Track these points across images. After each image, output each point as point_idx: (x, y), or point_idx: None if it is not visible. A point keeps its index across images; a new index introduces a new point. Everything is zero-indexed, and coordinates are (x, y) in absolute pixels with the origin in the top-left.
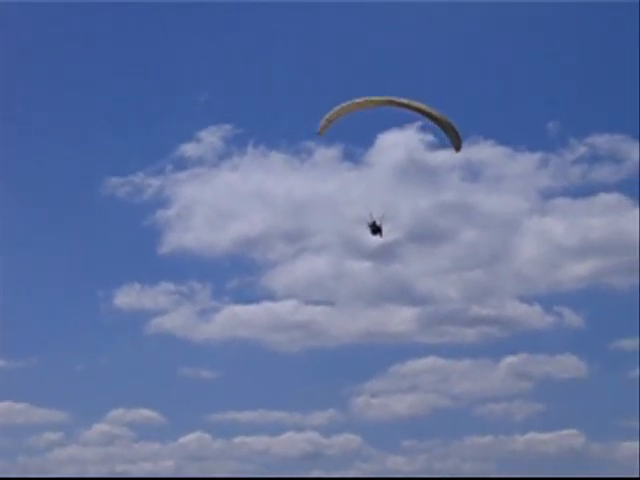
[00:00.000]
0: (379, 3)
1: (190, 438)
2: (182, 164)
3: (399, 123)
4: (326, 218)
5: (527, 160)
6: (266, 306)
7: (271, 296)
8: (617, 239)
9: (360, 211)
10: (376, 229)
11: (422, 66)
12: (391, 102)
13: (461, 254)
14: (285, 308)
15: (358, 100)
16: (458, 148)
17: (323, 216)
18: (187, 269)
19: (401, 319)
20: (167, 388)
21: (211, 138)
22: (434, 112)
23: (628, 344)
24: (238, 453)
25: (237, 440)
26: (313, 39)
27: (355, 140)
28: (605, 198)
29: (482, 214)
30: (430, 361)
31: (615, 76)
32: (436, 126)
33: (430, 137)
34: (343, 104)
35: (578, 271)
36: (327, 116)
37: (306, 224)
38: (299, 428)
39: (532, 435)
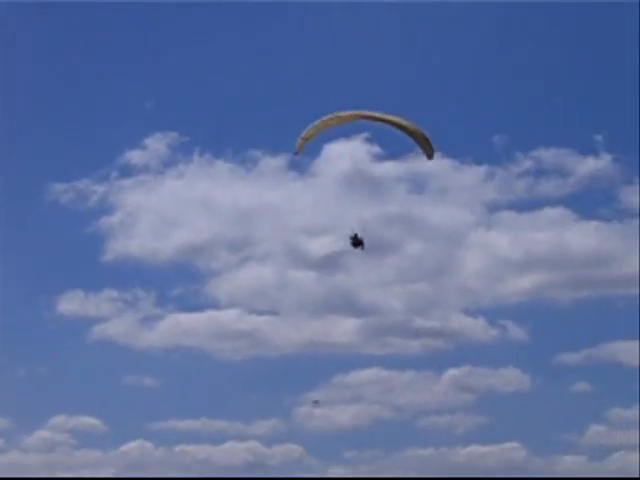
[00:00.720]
0: (319, 8)
1: (131, 446)
2: (127, 171)
3: (346, 134)
4: (271, 227)
5: (473, 173)
6: (210, 315)
7: (215, 305)
8: (561, 253)
9: (305, 221)
10: (357, 242)
11: (368, 77)
12: (364, 116)
13: (406, 266)
14: (229, 317)
15: (331, 116)
16: (430, 156)
17: (268, 225)
18: (131, 276)
19: (345, 330)
20: (109, 395)
21: (157, 145)
22: (406, 124)
23: (570, 358)
24: (179, 462)
25: (178, 449)
26: (259, 47)
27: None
28: (550, 212)
29: (427, 226)
30: (373, 372)
31: (560, 91)
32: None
33: (376, 148)
34: (317, 122)
35: (522, 285)
36: (303, 134)
37: (251, 233)
38: (241, 437)
39: (474, 448)
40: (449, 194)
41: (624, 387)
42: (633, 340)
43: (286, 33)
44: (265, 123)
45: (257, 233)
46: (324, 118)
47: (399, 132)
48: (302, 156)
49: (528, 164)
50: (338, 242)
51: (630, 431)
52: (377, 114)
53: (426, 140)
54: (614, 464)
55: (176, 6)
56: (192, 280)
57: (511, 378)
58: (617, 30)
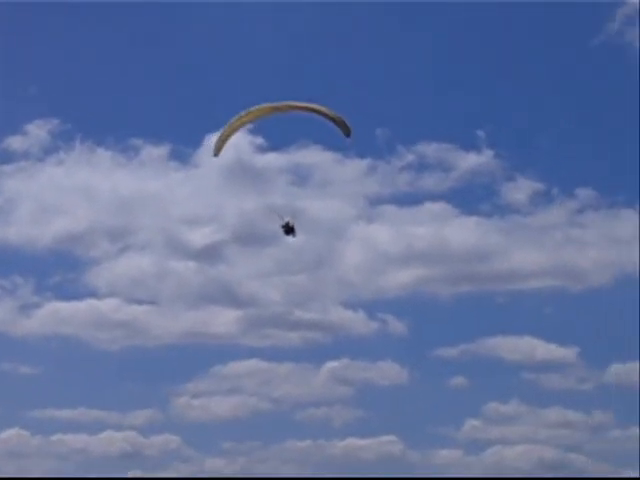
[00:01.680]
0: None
1: (8, 434)
2: (7, 157)
3: None
4: (151, 217)
5: (355, 166)
6: (88, 303)
7: (94, 293)
8: (441, 248)
9: (186, 211)
10: (289, 229)
11: (254, 66)
12: (277, 108)
13: (286, 258)
14: (107, 306)
15: (245, 113)
16: (349, 135)
17: (148, 215)
18: (9, 263)
19: (224, 321)
20: None
21: (38, 132)
22: (325, 110)
23: (448, 352)
24: (56, 451)
25: (55, 438)
26: (143, 35)
27: (183, 140)
28: (431, 207)
29: (309, 218)
30: (252, 363)
31: (443, 85)
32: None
33: (259, 139)
34: (232, 120)
35: (402, 279)
36: (221, 136)
37: (131, 222)
38: (118, 427)
39: (351, 440)
40: (331, 187)
41: (501, 382)
42: (511, 335)
43: (171, 19)
44: (147, 112)
45: (137, 222)
46: (239, 115)
47: (284, 124)
48: (184, 146)
49: (410, 158)
50: (219, 232)
51: (506, 426)
52: (291, 104)
53: (343, 122)
54: (490, 458)
55: None
56: (71, 268)
57: (389, 372)
58: (501, 25)
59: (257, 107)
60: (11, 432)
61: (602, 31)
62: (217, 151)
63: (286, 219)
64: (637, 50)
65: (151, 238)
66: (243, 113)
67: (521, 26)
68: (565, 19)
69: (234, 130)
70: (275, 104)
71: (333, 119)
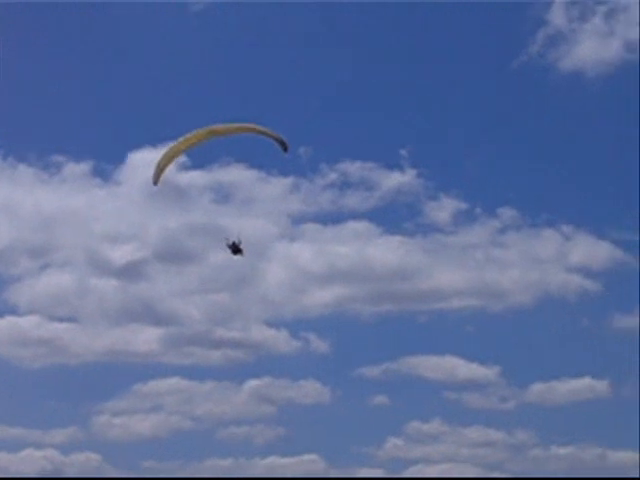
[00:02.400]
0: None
1: None
2: None
3: (151, 142)
4: (73, 234)
5: (279, 184)
6: (9, 320)
7: (14, 311)
8: (363, 267)
9: (108, 228)
10: (237, 249)
11: (181, 86)
12: (214, 132)
13: (208, 276)
14: (28, 323)
15: (182, 141)
16: (286, 149)
17: (70, 232)
18: None
19: (145, 339)
20: None
21: None
22: (261, 129)
23: (370, 371)
24: None
25: None
26: (68, 52)
27: (106, 157)
28: (354, 225)
29: (231, 237)
30: (173, 382)
31: (366, 104)
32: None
33: (182, 157)
34: (167, 149)
35: (324, 297)
36: (158, 164)
37: (52, 239)
38: (38, 445)
39: (273, 459)
40: (254, 205)
41: (423, 401)
42: (433, 355)
43: (95, 37)
44: (70, 128)
45: (59, 239)
46: (175, 144)
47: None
48: (106, 162)
49: (333, 177)
50: (141, 250)
51: (428, 445)
52: (228, 126)
53: (281, 138)
54: (411, 477)
55: None
56: None
57: (311, 390)
58: (425, 45)
59: (194, 133)
60: None
61: (523, 52)
62: (156, 180)
63: (232, 239)
64: (558, 71)
65: (73, 255)
66: (181, 140)
67: (444, 46)
68: (486, 41)
69: (172, 158)
70: (213, 127)
71: (271, 136)
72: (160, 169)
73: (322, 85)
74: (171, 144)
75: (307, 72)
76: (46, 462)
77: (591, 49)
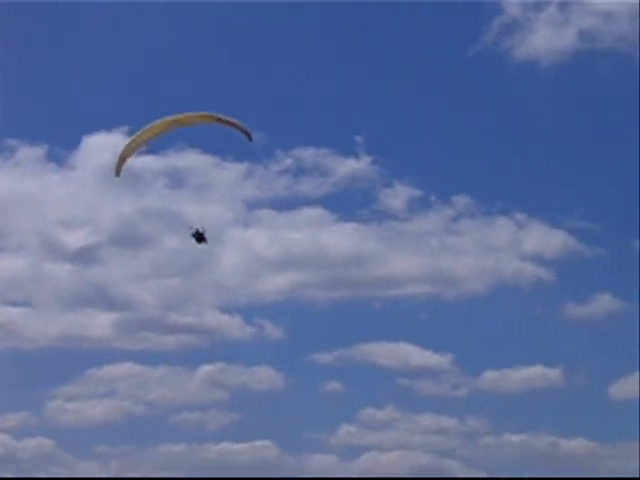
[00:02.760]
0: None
1: None
2: None
3: (106, 126)
4: (26, 219)
5: (234, 170)
6: None
7: None
8: (318, 253)
9: (62, 213)
10: (200, 237)
11: (139, 71)
12: (178, 122)
13: (162, 261)
14: None
15: (144, 131)
16: (251, 138)
17: (23, 216)
18: None
19: (99, 324)
20: None
21: None
22: (225, 118)
23: (324, 358)
24: None
25: None
26: (25, 35)
27: (60, 141)
28: (308, 212)
29: (184, 222)
30: (127, 367)
31: (321, 89)
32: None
33: None
34: (130, 140)
35: (278, 284)
36: (121, 155)
37: (5, 224)
38: None
39: (225, 445)
40: (209, 190)
41: (377, 388)
42: (387, 341)
43: (54, 18)
44: (24, 112)
45: (12, 224)
46: (137, 134)
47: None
48: (61, 147)
49: (288, 162)
50: (94, 235)
51: (381, 432)
52: (192, 116)
53: (244, 128)
54: (364, 464)
55: None
56: None
57: (264, 376)
58: (381, 33)
59: (157, 123)
60: None
61: (478, 41)
62: (118, 171)
63: (195, 227)
64: (513, 59)
65: (26, 240)
66: (144, 130)
67: (399, 34)
68: (442, 28)
69: (134, 149)
70: (176, 117)
71: (236, 125)
72: (122, 159)
73: (277, 72)
74: (134, 135)
75: (262, 59)
76: None
77: (545, 38)
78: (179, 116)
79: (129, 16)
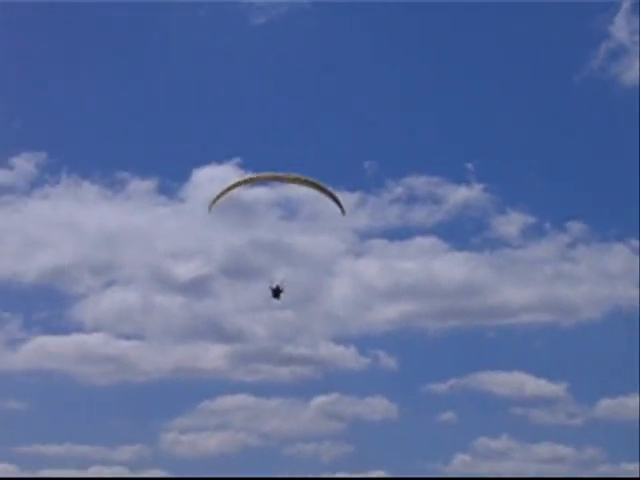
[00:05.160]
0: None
1: None
2: None
3: (217, 158)
4: (137, 251)
5: (345, 200)
6: (75, 338)
7: (80, 328)
8: (430, 283)
9: (172, 245)
10: (277, 293)
11: (247, 104)
12: (277, 178)
13: None
14: (94, 341)
15: (245, 179)
16: (344, 211)
17: (134, 249)
18: None
19: (212, 355)
20: None
21: (24, 165)
22: (320, 184)
23: (438, 388)
24: None
25: (44, 473)
26: (130, 68)
27: (170, 174)
28: (421, 241)
29: (297, 253)
30: (241, 399)
31: (429, 117)
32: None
33: (249, 173)
34: (230, 183)
35: (390, 314)
36: (218, 194)
37: (116, 257)
38: (106, 462)
39: (340, 476)
40: (320, 221)
41: (491, 417)
42: (501, 371)
43: (161, 57)
44: (135, 146)
45: (123, 256)
46: (238, 179)
47: (271, 158)
48: (171, 180)
49: (399, 191)
50: (205, 267)
51: (496, 461)
52: (291, 177)
53: (339, 201)
54: None
55: (43, 25)
56: (57, 303)
57: (379, 407)
58: (488, 58)
59: (258, 175)
60: None
61: (585, 66)
62: (210, 207)
63: (276, 283)
64: (621, 84)
65: (137, 272)
66: (245, 177)
67: (508, 61)
68: (549, 54)
69: (230, 190)
70: (278, 174)
71: (331, 195)
72: (217, 197)
73: (387, 99)
74: (234, 179)
75: (370, 87)
76: None
77: None
78: (280, 174)
79: (238, 45)
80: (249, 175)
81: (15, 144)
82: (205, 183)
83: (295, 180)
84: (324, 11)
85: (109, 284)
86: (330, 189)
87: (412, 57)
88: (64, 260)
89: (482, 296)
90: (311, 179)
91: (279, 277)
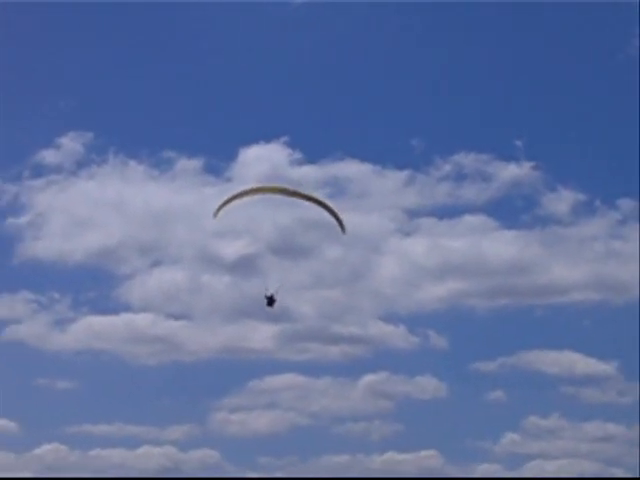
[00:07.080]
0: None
1: (46, 449)
2: (39, 171)
3: (265, 137)
4: (184, 231)
5: (394, 178)
6: (123, 318)
7: (128, 308)
8: (479, 261)
9: (219, 224)
10: (271, 302)
11: (281, 82)
12: (284, 191)
13: (322, 271)
14: (143, 321)
15: (253, 189)
16: (344, 230)
17: (181, 229)
18: (42, 278)
19: (260, 335)
20: (22, 397)
21: (71, 145)
22: (325, 202)
23: (487, 366)
24: (94, 466)
25: (93, 453)
26: (179, 48)
27: (217, 153)
28: (470, 219)
29: (346, 232)
30: (289, 378)
31: (480, 94)
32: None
33: (296, 152)
34: (237, 192)
35: (438, 293)
36: (225, 201)
37: (163, 236)
38: (156, 442)
39: (390, 455)
40: (369, 199)
41: (541, 396)
42: (550, 349)
43: (208, 35)
44: (181, 125)
45: (170, 236)
46: (247, 189)
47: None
48: (218, 159)
49: (448, 169)
50: (252, 245)
51: (546, 440)
52: (299, 193)
53: (341, 221)
54: (529, 473)
55: (88, 5)
56: (105, 283)
57: (428, 386)
58: (536, 36)
59: (267, 186)
60: (49, 447)
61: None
62: (216, 214)
63: (271, 291)
64: None
65: (184, 252)
66: (253, 187)
67: (556, 36)
68: (597, 29)
69: (237, 199)
70: (286, 187)
71: (334, 215)
72: (223, 204)
73: (434, 76)
74: (243, 188)
75: (417, 64)
76: (164, 459)
77: None
78: (288, 188)
79: (284, 23)
80: (258, 186)
81: (62, 124)
82: (252, 162)
83: (303, 196)
84: None
85: (156, 264)
86: (335, 210)
87: (461, 35)
88: (111, 240)
89: (531, 274)
90: (318, 197)
91: (274, 286)
